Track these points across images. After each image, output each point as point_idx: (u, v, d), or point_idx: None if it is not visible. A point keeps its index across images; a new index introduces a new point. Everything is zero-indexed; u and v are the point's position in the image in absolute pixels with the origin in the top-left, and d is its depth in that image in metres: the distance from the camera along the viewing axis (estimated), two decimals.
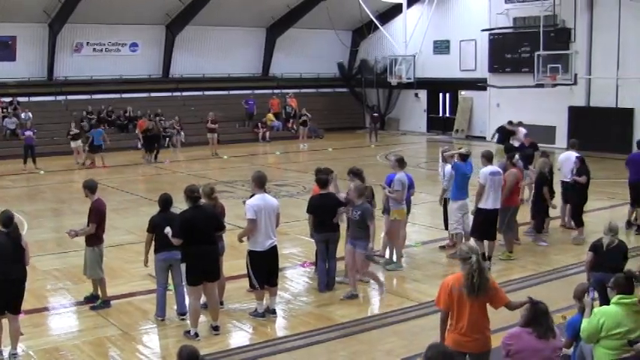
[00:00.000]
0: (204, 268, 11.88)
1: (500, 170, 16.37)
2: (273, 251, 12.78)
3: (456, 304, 8.48)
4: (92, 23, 41.38)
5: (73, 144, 34.28)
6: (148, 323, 12.82)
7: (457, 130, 46.18)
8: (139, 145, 36.94)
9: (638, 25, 35.17)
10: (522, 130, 28.63)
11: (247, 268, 12.89)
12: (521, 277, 15.26)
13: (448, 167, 17.43)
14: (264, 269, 12.79)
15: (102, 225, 13.50)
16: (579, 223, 18.56)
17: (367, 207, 13.76)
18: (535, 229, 18.51)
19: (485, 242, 16.12)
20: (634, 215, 19.67)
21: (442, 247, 17.86)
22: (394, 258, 16.41)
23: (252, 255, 12.71)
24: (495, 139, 29.73)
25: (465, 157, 16.92)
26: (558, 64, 36.63)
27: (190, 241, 11.74)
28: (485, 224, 15.96)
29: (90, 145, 33.61)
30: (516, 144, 26.51)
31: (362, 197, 13.74)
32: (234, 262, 14.43)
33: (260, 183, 12.76)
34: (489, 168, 16.14)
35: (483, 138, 43.09)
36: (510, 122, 30.24)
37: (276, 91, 48.89)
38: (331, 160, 31.75)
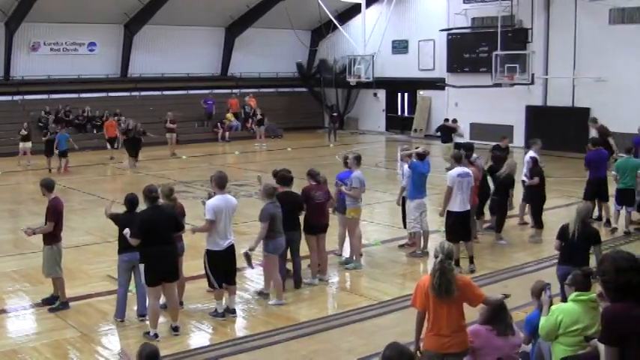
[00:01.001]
0: (163, 268, 11.83)
1: (468, 171, 16.16)
2: (230, 250, 12.77)
3: (432, 304, 8.44)
4: (49, 22, 41.01)
5: (21, 145, 33.93)
6: (107, 325, 12.72)
7: (416, 130, 46.36)
8: (108, 146, 36.51)
9: (594, 25, 35.55)
10: (461, 126, 31.62)
11: (205, 268, 12.90)
12: (481, 275, 15.32)
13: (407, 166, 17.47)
14: (222, 269, 12.81)
15: (59, 224, 13.42)
16: (539, 224, 18.73)
17: (264, 208, 13.62)
18: (496, 229, 18.67)
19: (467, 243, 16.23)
20: (597, 210, 20.25)
21: (401, 246, 17.92)
22: (354, 257, 16.42)
23: (210, 254, 12.70)
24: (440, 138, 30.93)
25: (422, 157, 16.96)
26: (516, 64, 36.93)
27: (149, 241, 11.69)
28: (456, 226, 15.80)
29: (58, 150, 31.80)
30: (458, 139, 30.00)
31: (270, 197, 13.68)
32: (193, 262, 14.37)
33: (221, 184, 12.72)
34: (457, 170, 15.98)
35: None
36: (447, 120, 32.58)
37: (235, 90, 48.75)
38: (290, 160, 31.73)
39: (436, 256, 8.45)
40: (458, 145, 19.66)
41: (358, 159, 16.39)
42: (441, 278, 8.30)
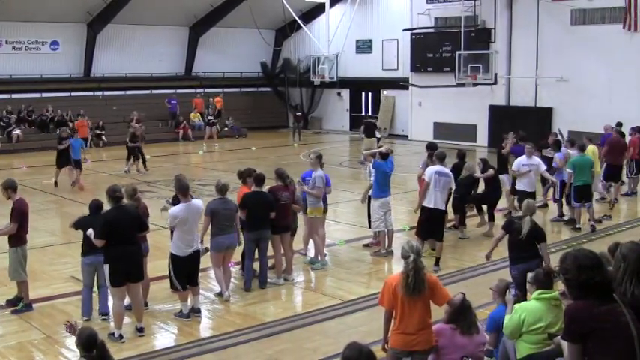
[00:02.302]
0: (127, 269, 11.81)
1: (448, 172, 16.31)
2: (194, 255, 12.85)
3: (400, 302, 8.53)
4: (11, 20, 40.50)
5: None
6: None
7: (380, 129, 46.39)
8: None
9: (556, 25, 35.87)
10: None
11: (169, 271, 12.91)
12: (444, 273, 15.40)
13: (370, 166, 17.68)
14: (185, 272, 12.86)
15: (24, 225, 13.23)
16: (491, 218, 19.38)
17: (207, 203, 13.96)
18: (460, 224, 19.08)
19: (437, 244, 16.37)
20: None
21: (366, 245, 17.99)
22: (318, 256, 16.45)
23: (174, 259, 12.74)
24: (363, 134, 32.84)
25: (385, 156, 17.05)
26: (479, 63, 37.22)
27: (113, 241, 11.64)
28: (429, 223, 15.95)
29: (70, 160, 27.86)
30: (378, 135, 33.33)
31: (221, 194, 13.96)
32: (158, 262, 14.33)
33: (182, 191, 12.77)
34: (436, 167, 16.11)
35: (405, 137, 43.50)
36: (369, 116, 36.48)
37: (199, 90, 48.60)
38: (255, 160, 31.72)
39: (406, 257, 8.52)
40: (432, 146, 19.59)
41: (320, 158, 16.44)
42: (416, 277, 8.41)
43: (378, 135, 33.05)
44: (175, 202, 13.38)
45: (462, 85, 37.99)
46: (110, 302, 12.47)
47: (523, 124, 35.96)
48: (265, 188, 14.88)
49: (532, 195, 18.06)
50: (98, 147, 39.66)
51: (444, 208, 16.25)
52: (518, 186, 19.21)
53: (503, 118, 37.74)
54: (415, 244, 8.70)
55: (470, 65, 37.32)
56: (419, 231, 16.13)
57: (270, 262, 15.22)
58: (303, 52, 49.93)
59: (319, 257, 16.39)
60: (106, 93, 45.69)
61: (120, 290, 11.91)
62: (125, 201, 12.38)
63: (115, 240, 11.64)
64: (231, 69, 50.06)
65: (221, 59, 49.49)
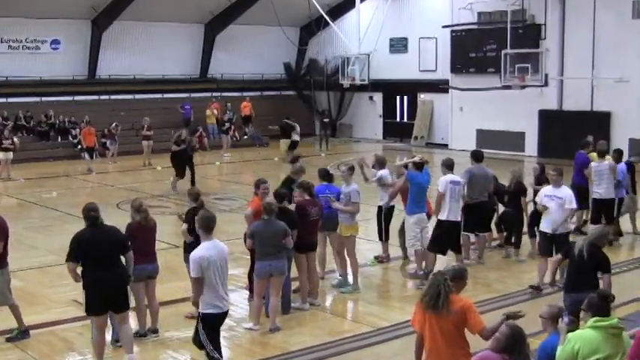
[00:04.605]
0: (105, 296, 11.58)
1: (459, 180, 16.90)
2: (227, 314, 11.47)
3: (429, 326, 8.66)
4: (8, 16, 40.64)
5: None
6: (72, 356, 12.65)
7: (416, 137, 46.37)
8: (85, 157, 36.46)
9: (615, 19, 35.62)
10: (297, 126, 38.78)
11: (199, 336, 11.22)
12: (487, 299, 15.32)
13: (380, 172, 18.06)
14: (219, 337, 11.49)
15: (6, 245, 13.16)
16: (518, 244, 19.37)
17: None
18: (506, 242, 19.14)
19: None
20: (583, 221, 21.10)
21: (377, 259, 18.35)
22: (350, 279, 16.38)
23: (207, 319, 11.06)
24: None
25: (420, 166, 16.98)
26: (527, 63, 36.97)
27: (88, 266, 11.52)
28: (446, 237, 16.40)
29: None
30: (297, 138, 36.92)
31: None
32: (168, 285, 14.36)
33: (206, 226, 11.10)
34: (449, 176, 16.64)
35: (445, 146, 43.35)
36: (288, 117, 39.73)
37: (215, 94, 48.73)
38: (277, 171, 31.67)
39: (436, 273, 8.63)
40: (477, 154, 19.48)
41: (352, 170, 16.48)
42: (430, 289, 8.61)
43: (295, 137, 36.27)
44: (189, 217, 13.47)
45: (509, 87, 37.77)
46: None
47: (577, 132, 35.71)
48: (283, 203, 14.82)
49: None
50: (104, 157, 39.74)
51: (459, 219, 16.74)
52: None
53: (554, 124, 37.56)
54: (457, 266, 8.79)
55: (517, 65, 37.11)
56: (433, 246, 16.46)
57: (294, 284, 15.20)
58: (330, 51, 49.96)
59: (350, 280, 16.32)
60: (113, 97, 45.88)
61: (99, 319, 11.77)
62: (135, 217, 12.40)
63: (91, 264, 11.51)
64: (252, 71, 50.15)
65: (240, 60, 49.58)
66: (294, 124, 39.12)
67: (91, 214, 11.72)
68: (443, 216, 16.41)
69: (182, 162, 29.23)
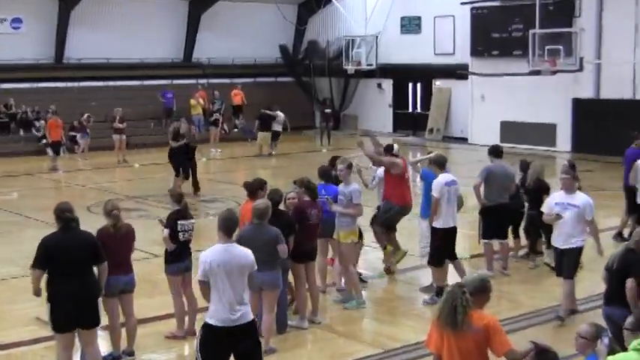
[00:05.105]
0: (72, 310, 11.47)
1: (454, 179, 16.69)
2: (245, 329, 10.82)
3: (447, 346, 8.63)
4: None
5: None
6: None
7: (431, 130, 46.37)
8: (50, 153, 36.34)
9: None
10: (281, 114, 39.89)
11: (196, 346, 11.11)
12: (514, 316, 15.28)
13: (380, 171, 18.14)
14: (222, 355, 10.92)
15: None
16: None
17: None
18: (531, 251, 19.11)
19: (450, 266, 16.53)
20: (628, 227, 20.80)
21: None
22: (353, 292, 16.32)
23: (203, 331, 10.88)
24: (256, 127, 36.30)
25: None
26: (559, 45, 36.88)
27: (55, 274, 11.45)
28: (445, 246, 16.33)
29: None
30: (278, 129, 37.87)
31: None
32: (147, 300, 14.29)
33: (226, 228, 11.09)
34: (443, 177, 16.43)
35: (464, 140, 43.33)
36: (269, 108, 40.39)
37: (201, 81, 48.67)
38: (272, 169, 31.74)
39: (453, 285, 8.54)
40: (495, 150, 19.40)
41: (350, 168, 16.30)
42: (445, 304, 8.56)
43: (276, 127, 37.21)
44: (171, 222, 13.51)
45: (538, 73, 37.69)
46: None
47: (617, 124, 35.68)
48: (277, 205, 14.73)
49: None
50: (73, 153, 39.66)
51: (455, 224, 16.62)
52: None
53: (590, 115, 37.50)
54: (478, 278, 8.69)
55: (547, 47, 37.03)
56: (434, 259, 16.45)
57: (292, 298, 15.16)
58: (333, 32, 50.00)
59: (354, 293, 16.26)
60: (83, 84, 45.84)
61: (64, 338, 11.66)
62: (112, 221, 12.35)
63: (59, 273, 11.42)
64: (243, 54, 50.09)
65: (229, 42, 49.54)
66: (275, 113, 39.98)
67: (65, 215, 11.66)
68: (438, 223, 16.26)
69: (184, 159, 28.75)
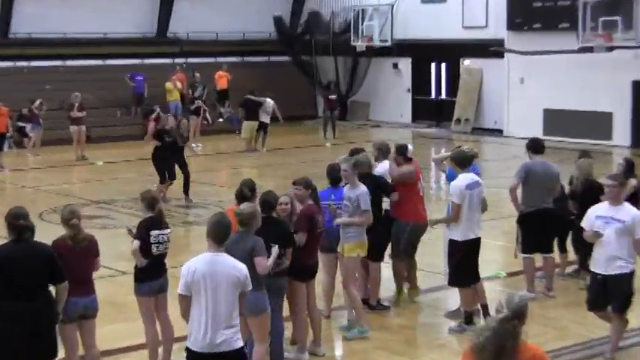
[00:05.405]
0: (23, 339, 11.50)
1: (478, 180, 16.31)
2: (226, 358, 11.11)
3: None
4: None
5: None
6: None
7: (459, 120, 46.38)
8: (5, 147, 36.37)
9: None
10: (269, 101, 39.68)
11: None
12: (561, 347, 15.28)
13: (381, 165, 17.73)
14: None
15: None
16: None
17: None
18: (582, 267, 18.71)
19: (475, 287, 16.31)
20: None
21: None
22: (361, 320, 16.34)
23: (188, 356, 11.18)
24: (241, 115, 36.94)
25: (465, 162, 16.93)
26: (616, 16, 36.93)
27: (2, 294, 11.48)
28: (466, 263, 15.96)
29: None
30: (265, 119, 37.87)
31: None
32: (113, 327, 14.32)
33: (216, 234, 11.14)
34: (464, 178, 16.03)
35: (498, 132, 43.34)
36: (252, 92, 40.37)
37: (179, 60, 48.68)
38: (265, 168, 31.71)
39: (496, 312, 8.42)
40: (534, 144, 19.37)
41: (357, 166, 16.22)
42: (491, 340, 8.25)
43: (264, 118, 37.88)
44: (142, 232, 13.45)
45: (590, 50, 37.77)
46: None
47: None
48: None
49: None
50: (22, 147, 39.69)
51: (479, 235, 16.18)
52: None
53: None
54: (518, 300, 8.59)
55: (602, 19, 37.11)
56: (456, 280, 16.16)
57: (288, 324, 15.15)
58: (339, 1, 49.95)
59: (360, 320, 16.24)
60: (34, 64, 45.93)
61: None
62: (73, 232, 12.36)
63: (8, 292, 11.46)
64: (229, 28, 50.16)
65: (212, 13, 49.70)
66: (262, 99, 40.13)
67: (18, 222, 11.66)
68: (457, 235, 15.90)
69: (169, 161, 28.24)
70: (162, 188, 27.43)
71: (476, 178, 16.33)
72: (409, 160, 17.62)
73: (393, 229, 17.29)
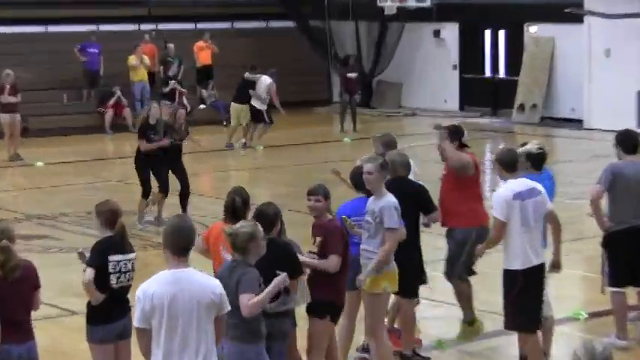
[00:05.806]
0: None
1: (534, 186, 15.85)
2: None
3: None
4: None
5: None
6: None
7: (522, 107, 46.35)
8: None
9: None
10: (264, 81, 39.51)
11: None
12: None
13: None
14: None
15: None
16: None
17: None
18: None
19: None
20: None
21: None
22: None
23: None
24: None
25: (537, 162, 16.95)
26: None
27: None
28: (526, 299, 15.68)
29: None
30: (258, 105, 38.46)
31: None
32: None
33: (176, 245, 10.97)
34: (511, 186, 15.79)
35: (578, 122, 43.32)
36: (254, 67, 41.11)
37: (146, 26, 48.76)
38: (260, 171, 31.76)
39: None
40: (625, 137, 19.25)
41: (384, 167, 16.07)
42: None
43: (255, 103, 38.44)
44: (98, 258, 13.32)
45: None
46: None
47: None
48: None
49: None
50: None
51: (542, 261, 15.87)
52: None
53: None
54: (602, 349, 8.57)
55: None
56: (514, 321, 15.90)
57: None
58: None
59: None
60: None
61: None
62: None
63: None
64: None
65: None
66: (255, 76, 40.27)
67: None
68: (510, 263, 15.62)
69: (159, 167, 27.57)
70: (150, 203, 27.39)
71: (532, 184, 15.84)
72: (463, 147, 17.74)
73: (450, 243, 17.43)
